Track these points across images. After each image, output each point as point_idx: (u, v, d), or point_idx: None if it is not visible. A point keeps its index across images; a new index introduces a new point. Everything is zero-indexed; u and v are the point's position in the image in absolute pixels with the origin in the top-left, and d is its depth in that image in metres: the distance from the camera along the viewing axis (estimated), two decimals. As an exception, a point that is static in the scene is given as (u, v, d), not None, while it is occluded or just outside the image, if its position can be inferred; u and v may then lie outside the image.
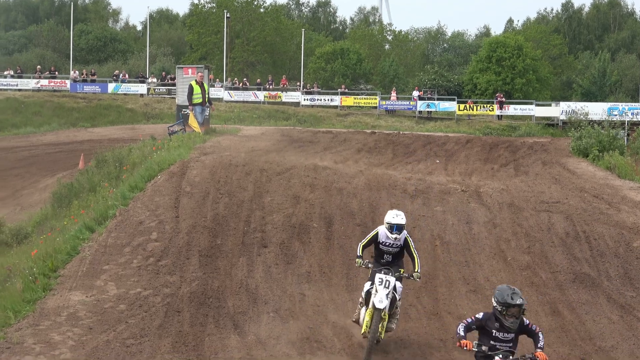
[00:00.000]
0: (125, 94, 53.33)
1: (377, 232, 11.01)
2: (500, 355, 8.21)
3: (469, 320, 8.38)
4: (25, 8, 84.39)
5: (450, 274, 13.88)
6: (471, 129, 44.69)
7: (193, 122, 24.55)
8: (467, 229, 15.55)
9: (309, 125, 41.87)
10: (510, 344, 8.29)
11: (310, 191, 16.89)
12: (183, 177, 17.28)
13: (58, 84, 54.25)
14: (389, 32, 78.97)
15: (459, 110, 50.15)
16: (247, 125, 37.14)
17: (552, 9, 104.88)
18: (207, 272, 13.13)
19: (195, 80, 24.85)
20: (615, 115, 45.48)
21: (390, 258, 10.98)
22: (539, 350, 8.21)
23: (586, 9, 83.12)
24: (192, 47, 70.85)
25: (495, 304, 8.18)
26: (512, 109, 50.76)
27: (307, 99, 52.61)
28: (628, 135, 36.39)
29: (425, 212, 16.22)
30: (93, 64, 65.51)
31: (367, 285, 10.86)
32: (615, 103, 50.61)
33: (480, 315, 8.40)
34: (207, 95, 25.08)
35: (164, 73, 56.25)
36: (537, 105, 50.81)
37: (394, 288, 10.60)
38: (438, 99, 52.54)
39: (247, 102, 52.36)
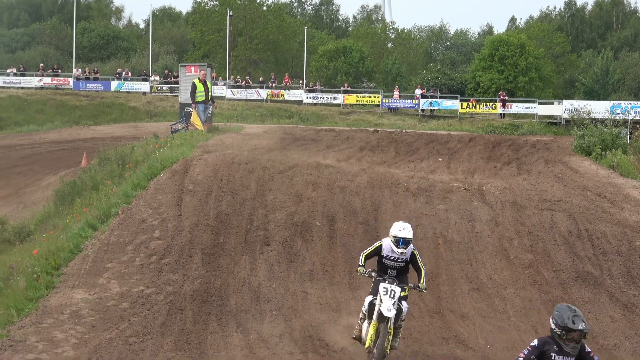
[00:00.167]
0: (128, 92, 53.36)
1: (381, 245, 10.13)
2: None
3: (526, 352, 7.56)
4: (28, 6, 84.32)
5: (452, 273, 13.88)
6: (474, 127, 44.65)
7: (196, 120, 24.57)
8: (470, 227, 15.54)
9: (312, 124, 41.89)
10: None
11: (312, 189, 16.89)
12: (186, 175, 17.29)
13: (61, 82, 54.27)
14: (391, 30, 78.92)
15: (462, 108, 50.12)
16: (249, 124, 37.17)
17: (555, 7, 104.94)
18: (210, 270, 13.14)
19: (199, 78, 24.89)
20: (618, 113, 45.41)
21: (395, 273, 10.12)
22: None
23: (589, 7, 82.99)
24: (195, 45, 70.84)
25: (554, 327, 7.43)
26: (515, 107, 50.74)
27: (310, 97, 52.61)
28: (631, 133, 36.36)
29: (428, 211, 16.22)
30: (96, 62, 65.52)
31: (368, 299, 10.06)
32: (618, 101, 50.50)
33: (535, 342, 7.61)
34: (210, 93, 25.12)
35: (166, 71, 56.27)
36: (540, 103, 50.79)
37: (399, 302, 9.86)
38: (441, 97, 52.51)
39: (249, 100, 52.35)
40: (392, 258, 10.04)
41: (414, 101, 51.41)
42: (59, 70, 56.25)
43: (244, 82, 54.78)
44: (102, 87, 53.90)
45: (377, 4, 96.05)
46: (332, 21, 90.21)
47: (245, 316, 11.78)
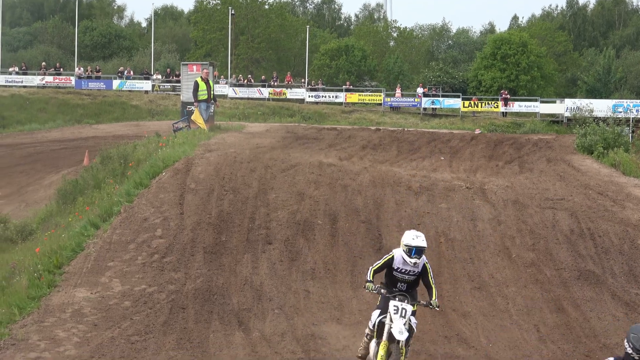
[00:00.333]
0: (130, 91, 53.34)
1: (393, 256, 9.45)
2: None
3: None
4: (30, 5, 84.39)
5: (454, 271, 13.88)
6: (476, 125, 44.60)
7: (198, 118, 24.58)
8: (472, 226, 15.54)
9: (314, 122, 41.88)
10: None
11: (314, 188, 16.88)
12: (188, 174, 17.29)
13: (63, 81, 54.28)
14: (393, 29, 78.92)
15: (464, 107, 50.05)
16: (251, 122, 37.22)
17: (557, 6, 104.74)
18: (212, 269, 13.15)
19: (201, 77, 24.93)
20: (620, 112, 45.32)
21: (405, 287, 9.49)
22: None
23: (591, 5, 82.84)
24: (197, 43, 70.85)
25: (630, 351, 6.72)
26: (517, 106, 50.63)
27: (312, 96, 52.58)
28: (633, 132, 36.35)
29: (430, 209, 16.21)
30: (98, 61, 65.51)
31: (375, 314, 9.42)
32: (620, 100, 50.41)
33: None
34: (212, 92, 25.15)
35: (168, 70, 56.24)
36: (542, 102, 50.68)
37: (410, 319, 9.25)
38: (443, 96, 52.44)
39: (251, 98, 52.33)
40: (403, 271, 9.43)
41: (416, 100, 51.36)
42: (61, 69, 56.26)
43: (245, 81, 54.76)
44: (104, 86, 53.90)
45: (379, 3, 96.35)
46: (334, 20, 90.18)
47: (247, 315, 11.79)
